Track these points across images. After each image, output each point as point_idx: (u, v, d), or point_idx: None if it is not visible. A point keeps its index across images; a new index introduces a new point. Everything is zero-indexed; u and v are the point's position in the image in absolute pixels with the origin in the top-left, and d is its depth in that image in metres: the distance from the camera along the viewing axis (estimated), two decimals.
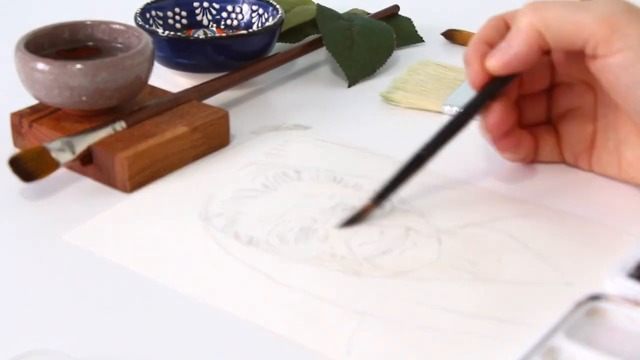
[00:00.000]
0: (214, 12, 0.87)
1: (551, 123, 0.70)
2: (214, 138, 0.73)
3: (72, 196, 0.68)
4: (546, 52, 0.65)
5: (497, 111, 0.66)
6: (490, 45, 0.66)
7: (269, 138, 0.75)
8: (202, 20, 0.87)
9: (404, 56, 0.89)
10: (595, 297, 0.55)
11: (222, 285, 0.59)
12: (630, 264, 0.57)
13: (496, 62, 0.64)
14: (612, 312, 0.55)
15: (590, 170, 0.69)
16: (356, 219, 0.64)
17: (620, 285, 0.56)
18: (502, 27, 0.66)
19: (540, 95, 0.70)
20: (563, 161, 0.70)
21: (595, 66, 0.63)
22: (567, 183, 0.69)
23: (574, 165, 0.70)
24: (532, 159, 0.70)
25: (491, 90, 0.66)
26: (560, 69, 0.69)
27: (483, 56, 0.65)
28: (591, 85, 0.68)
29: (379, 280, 0.59)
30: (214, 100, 0.78)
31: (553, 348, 0.52)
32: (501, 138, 0.67)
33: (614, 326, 0.54)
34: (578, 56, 0.64)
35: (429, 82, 0.82)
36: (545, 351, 0.52)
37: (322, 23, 0.86)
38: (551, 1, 0.63)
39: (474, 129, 0.77)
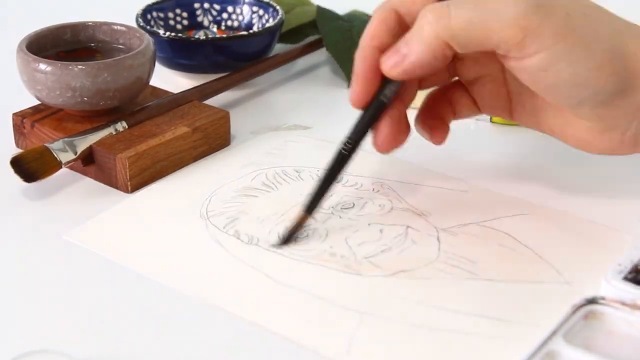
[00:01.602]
0: (214, 13, 0.87)
1: (462, 84, 0.66)
2: (214, 138, 0.73)
3: (74, 196, 0.68)
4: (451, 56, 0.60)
5: (385, 128, 0.62)
6: (382, 50, 0.61)
7: (269, 138, 0.75)
8: (202, 21, 0.87)
9: None
10: (592, 301, 0.55)
11: (222, 285, 0.59)
12: (627, 267, 0.57)
13: (395, 68, 0.59)
14: (609, 315, 0.55)
15: (514, 120, 0.66)
16: (293, 231, 0.62)
17: (617, 288, 0.56)
18: (394, 23, 0.61)
19: (444, 73, 0.65)
20: (481, 113, 0.67)
21: (510, 66, 0.60)
22: (567, 183, 0.69)
23: (497, 116, 0.66)
24: (453, 118, 0.66)
25: (368, 119, 0.62)
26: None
27: (371, 64, 0.61)
28: (495, 54, 0.61)
29: (379, 279, 0.59)
30: (214, 101, 0.78)
31: (551, 352, 0.52)
32: (434, 132, 0.64)
33: (611, 330, 0.54)
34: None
35: None
36: (544, 355, 0.52)
37: (322, 24, 0.86)
38: (452, 4, 0.58)
39: (474, 129, 0.77)
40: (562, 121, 0.63)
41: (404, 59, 0.59)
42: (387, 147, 0.62)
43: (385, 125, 0.62)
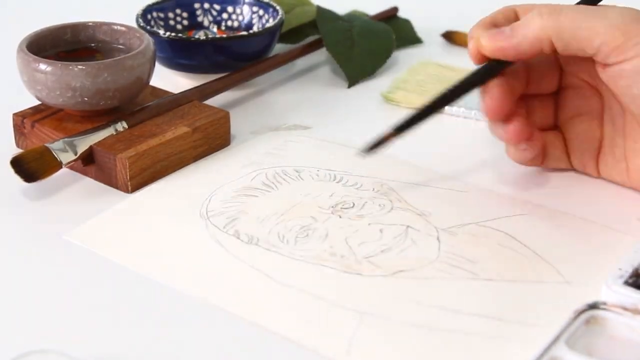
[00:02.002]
0: (214, 13, 0.87)
1: (559, 129, 0.69)
2: (214, 138, 0.73)
3: (74, 196, 0.68)
4: (549, 53, 0.64)
5: (494, 92, 0.65)
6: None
7: (269, 138, 0.75)
8: (202, 22, 0.87)
9: (403, 57, 0.89)
10: (593, 306, 0.55)
11: (222, 285, 0.59)
12: (628, 272, 0.57)
13: (489, 43, 0.64)
14: (611, 320, 0.55)
15: (598, 176, 0.68)
16: (377, 145, 0.64)
17: (617, 293, 0.56)
18: (512, 18, 0.66)
19: (547, 98, 0.69)
20: (571, 167, 0.69)
21: (607, 74, 0.63)
22: (567, 183, 0.69)
23: (582, 172, 0.69)
24: (541, 163, 0.69)
25: (490, 69, 0.65)
26: (567, 69, 0.68)
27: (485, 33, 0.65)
28: (598, 89, 0.67)
29: (379, 279, 0.59)
30: (214, 101, 0.78)
31: (554, 358, 0.52)
32: (514, 133, 0.66)
33: (613, 335, 0.54)
34: (587, 59, 0.64)
35: (429, 82, 0.82)
36: None
37: (322, 24, 0.86)
38: (565, 5, 0.62)
39: (474, 129, 0.77)
40: None
41: (504, 37, 0.63)
42: (495, 112, 0.65)
43: (494, 86, 0.65)
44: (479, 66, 0.65)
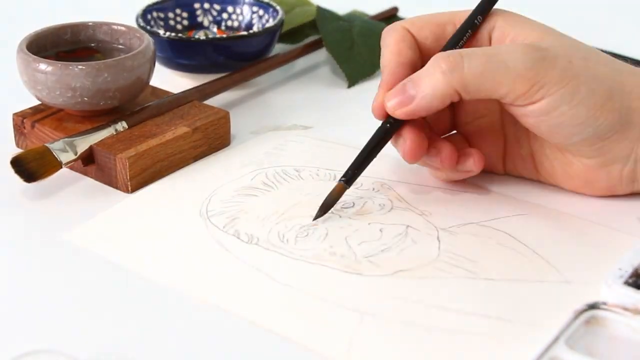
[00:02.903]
0: (214, 13, 0.87)
1: (460, 133, 0.68)
2: (214, 138, 0.73)
3: (74, 196, 0.68)
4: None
5: (410, 136, 0.64)
6: (406, 64, 0.64)
7: (269, 138, 0.75)
8: (203, 22, 0.87)
9: None
10: (593, 306, 0.55)
11: (222, 285, 0.59)
12: (628, 272, 0.57)
13: (399, 108, 0.63)
14: (611, 320, 0.55)
15: (505, 173, 0.68)
16: (329, 203, 0.64)
17: (618, 293, 0.56)
18: (411, 40, 0.65)
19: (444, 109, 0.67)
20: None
21: (513, 111, 0.63)
22: None
23: (489, 171, 0.68)
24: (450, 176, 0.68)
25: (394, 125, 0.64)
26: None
27: (399, 80, 0.64)
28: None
29: (379, 278, 0.59)
30: (214, 101, 0.78)
31: (554, 358, 0.52)
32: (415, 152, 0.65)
33: (613, 335, 0.54)
34: None
35: None
36: None
37: (322, 24, 0.86)
38: (465, 54, 0.61)
39: None
40: (561, 162, 0.65)
41: (410, 100, 0.62)
42: (414, 155, 0.64)
43: (408, 133, 0.64)
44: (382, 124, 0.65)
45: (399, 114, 0.63)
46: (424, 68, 0.62)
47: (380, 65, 0.66)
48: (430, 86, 0.61)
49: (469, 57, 0.61)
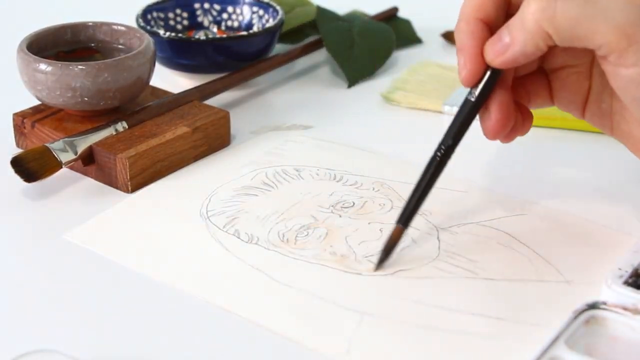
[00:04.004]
0: (214, 13, 0.87)
1: (544, 74, 0.65)
2: (214, 138, 0.73)
3: (74, 196, 0.68)
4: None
5: (497, 110, 0.61)
6: (487, 23, 0.60)
7: (269, 138, 0.75)
8: (203, 22, 0.87)
9: (403, 57, 0.89)
10: (593, 306, 0.55)
11: (222, 284, 0.59)
12: (627, 272, 0.57)
13: (497, 58, 0.59)
14: (611, 320, 0.55)
15: (583, 118, 0.65)
16: (389, 247, 0.60)
17: (617, 293, 0.56)
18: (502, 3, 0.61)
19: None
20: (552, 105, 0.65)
21: (604, 67, 0.59)
22: (567, 183, 0.69)
23: (567, 111, 0.65)
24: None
25: (489, 84, 0.60)
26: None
27: (480, 41, 0.60)
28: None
29: (379, 278, 0.59)
30: (214, 101, 0.78)
31: (554, 358, 0.52)
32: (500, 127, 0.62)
33: (613, 335, 0.54)
34: None
35: (429, 83, 0.82)
36: None
37: (322, 24, 0.86)
38: None
39: (474, 129, 0.77)
40: (638, 129, 0.61)
41: (506, 48, 0.59)
42: (497, 132, 0.61)
43: (494, 110, 0.61)
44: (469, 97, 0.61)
45: (497, 63, 0.59)
46: (517, 13, 0.58)
47: (458, 17, 0.61)
48: (523, 30, 0.58)
49: (563, 0, 0.57)
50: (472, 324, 0.56)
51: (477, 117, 0.62)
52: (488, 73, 0.60)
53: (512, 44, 0.59)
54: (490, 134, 0.61)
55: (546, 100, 0.65)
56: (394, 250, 0.60)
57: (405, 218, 0.60)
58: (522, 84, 0.64)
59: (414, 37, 0.92)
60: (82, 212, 0.66)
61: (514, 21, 0.59)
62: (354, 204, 0.66)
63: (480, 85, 0.60)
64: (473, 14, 0.60)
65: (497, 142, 0.76)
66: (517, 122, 0.63)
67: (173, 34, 0.80)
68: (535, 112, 0.78)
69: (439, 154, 0.61)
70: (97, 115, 0.72)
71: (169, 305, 0.58)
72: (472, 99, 0.61)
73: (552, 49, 0.62)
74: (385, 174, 0.70)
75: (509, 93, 0.62)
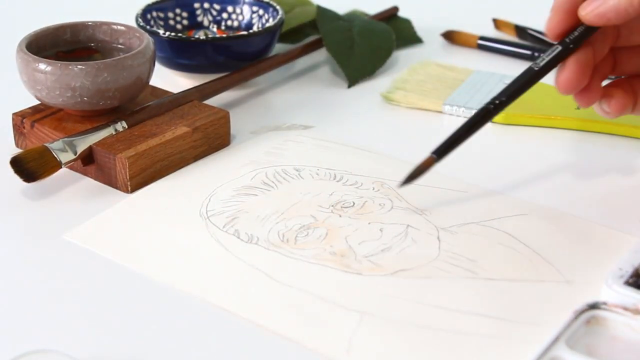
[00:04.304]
0: (214, 13, 0.87)
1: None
2: (214, 138, 0.73)
3: (73, 196, 0.68)
4: None
5: (571, 68, 0.62)
6: None
7: (269, 138, 0.75)
8: (202, 21, 0.87)
9: (404, 57, 0.89)
10: (594, 306, 0.55)
11: (222, 284, 0.59)
12: (628, 272, 0.57)
13: (591, 12, 0.60)
14: (611, 320, 0.55)
15: None
16: (417, 173, 0.62)
17: (618, 293, 0.56)
18: None
19: (638, 48, 0.65)
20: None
21: None
22: (568, 183, 0.69)
23: None
24: (632, 111, 0.65)
25: (574, 40, 0.62)
26: None
27: (573, 2, 0.61)
28: None
29: (379, 278, 0.59)
30: (214, 101, 0.78)
31: (554, 358, 0.52)
32: (581, 93, 0.63)
33: (613, 335, 0.54)
34: None
35: (429, 82, 0.82)
36: None
37: (322, 24, 0.86)
38: None
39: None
40: None
41: (601, 3, 0.60)
42: (569, 87, 0.62)
43: (571, 65, 0.62)
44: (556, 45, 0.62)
45: (589, 17, 0.61)
46: None
47: None
48: None
49: None
50: (472, 324, 0.56)
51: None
52: (579, 29, 0.62)
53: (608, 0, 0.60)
54: (562, 87, 0.62)
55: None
56: (420, 176, 0.62)
57: (441, 151, 0.62)
58: (628, 86, 0.64)
59: (414, 37, 0.92)
60: (82, 212, 0.66)
61: None
62: (354, 203, 0.66)
63: (572, 36, 0.62)
64: None
65: (498, 142, 0.76)
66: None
67: (173, 34, 0.80)
68: (536, 111, 0.78)
69: (491, 106, 0.62)
70: (96, 115, 0.72)
71: (169, 305, 0.58)
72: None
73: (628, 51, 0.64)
74: (385, 174, 0.70)
75: (592, 58, 0.62)
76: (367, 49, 0.86)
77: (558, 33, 0.62)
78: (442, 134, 0.76)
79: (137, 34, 0.74)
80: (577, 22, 0.62)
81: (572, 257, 0.61)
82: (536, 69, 0.62)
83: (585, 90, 0.63)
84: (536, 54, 0.87)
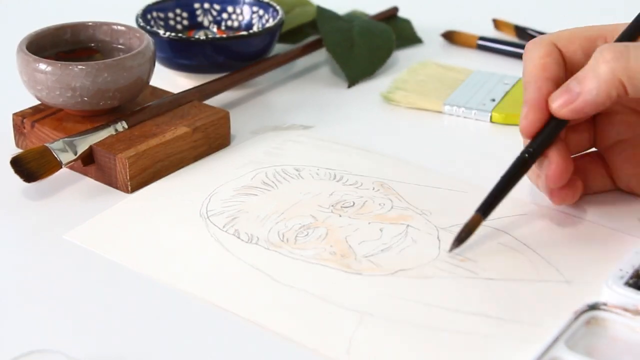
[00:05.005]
0: (214, 13, 0.87)
1: (598, 153, 0.66)
2: (214, 138, 0.73)
3: (74, 196, 0.68)
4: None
5: (556, 160, 0.61)
6: (553, 81, 0.61)
7: (269, 138, 0.75)
8: (202, 22, 0.87)
9: (403, 57, 0.89)
10: (594, 307, 0.55)
11: (222, 284, 0.59)
12: (628, 273, 0.57)
13: (564, 107, 0.60)
14: (611, 321, 0.55)
15: None
16: (465, 235, 0.60)
17: (618, 294, 0.56)
18: (559, 56, 0.62)
19: (584, 124, 0.65)
20: (615, 188, 0.66)
21: None
22: None
23: (630, 193, 0.66)
24: (583, 192, 0.65)
25: (550, 134, 0.61)
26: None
27: (545, 94, 0.61)
28: None
29: (379, 278, 0.59)
30: (214, 101, 0.78)
31: (554, 359, 0.52)
32: (560, 189, 0.62)
33: (613, 336, 0.54)
34: None
35: (429, 82, 0.82)
36: None
37: (321, 24, 0.86)
38: (632, 46, 0.58)
39: (474, 129, 0.77)
40: None
41: (576, 97, 0.60)
42: (559, 178, 0.61)
43: (555, 156, 0.61)
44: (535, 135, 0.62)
45: (564, 112, 0.60)
46: (587, 65, 0.60)
47: (523, 80, 0.63)
48: (595, 79, 0.58)
49: (635, 48, 0.58)
50: (472, 324, 0.56)
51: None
52: (552, 124, 0.61)
53: (583, 92, 0.59)
54: (552, 180, 0.61)
55: (605, 180, 0.66)
56: (469, 237, 0.61)
57: (485, 208, 0.61)
58: (578, 167, 0.64)
59: (414, 37, 0.92)
60: (82, 212, 0.66)
61: (583, 72, 0.59)
62: (354, 203, 0.66)
63: (542, 134, 0.61)
64: (539, 74, 0.62)
65: (498, 142, 0.76)
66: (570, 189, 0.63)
67: (173, 34, 0.80)
68: None
69: (526, 155, 0.62)
70: (96, 115, 0.72)
71: (169, 305, 0.58)
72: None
73: (605, 121, 0.64)
74: (385, 173, 0.70)
75: (566, 146, 0.62)
76: (367, 49, 0.86)
77: (536, 132, 0.62)
78: (442, 134, 0.77)
79: (137, 34, 0.74)
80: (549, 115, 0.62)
81: (572, 257, 0.61)
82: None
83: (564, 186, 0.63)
84: None
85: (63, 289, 0.59)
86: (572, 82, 0.60)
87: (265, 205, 0.66)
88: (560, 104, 0.60)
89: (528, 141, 0.62)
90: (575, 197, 0.64)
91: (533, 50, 0.63)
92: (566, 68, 0.63)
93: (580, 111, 0.60)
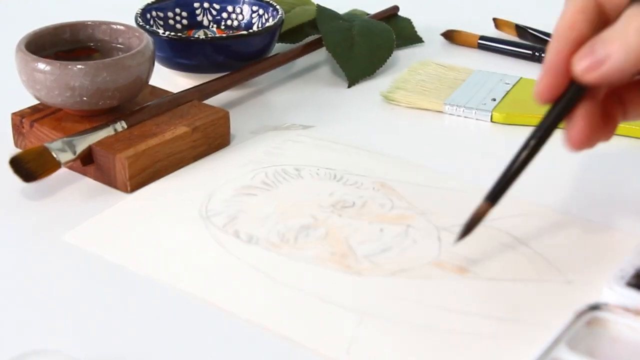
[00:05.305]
0: (214, 12, 0.87)
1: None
2: (214, 138, 0.73)
3: (73, 196, 0.68)
4: None
5: (580, 124, 0.56)
6: (579, 42, 0.55)
7: (269, 137, 0.75)
8: (202, 21, 0.87)
9: (404, 56, 0.89)
10: (595, 307, 0.55)
11: (222, 285, 0.59)
12: (629, 273, 0.57)
13: (589, 73, 0.54)
14: (612, 322, 0.55)
15: None
16: (473, 223, 0.59)
17: (619, 294, 0.56)
18: (594, 14, 0.56)
19: None
20: None
21: None
22: (567, 183, 0.69)
23: None
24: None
25: (571, 102, 0.56)
26: None
27: (566, 57, 0.55)
28: None
29: (379, 278, 0.59)
30: (214, 101, 0.78)
31: (555, 359, 0.52)
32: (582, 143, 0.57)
33: (615, 336, 0.54)
34: None
35: (429, 82, 0.82)
36: None
37: (322, 23, 0.86)
38: None
39: (474, 129, 0.77)
40: None
41: (601, 63, 0.54)
42: (580, 143, 0.57)
43: (579, 119, 0.56)
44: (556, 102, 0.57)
45: (589, 78, 0.54)
46: (615, 25, 0.54)
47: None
48: (624, 46, 0.53)
49: None
50: (472, 324, 0.56)
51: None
52: (572, 89, 0.56)
53: (609, 58, 0.54)
54: (574, 145, 0.57)
55: None
56: (477, 226, 0.59)
57: (494, 196, 0.58)
58: (616, 94, 0.59)
59: (414, 37, 0.92)
60: (82, 212, 0.66)
61: (610, 34, 0.54)
62: (354, 203, 0.66)
63: (563, 101, 0.56)
64: (565, 33, 0.56)
65: (498, 142, 0.76)
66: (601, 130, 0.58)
67: (172, 34, 0.80)
68: (535, 111, 0.77)
69: (531, 139, 0.58)
70: (96, 115, 0.72)
71: (169, 305, 0.58)
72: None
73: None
74: (385, 173, 0.70)
75: (598, 105, 0.57)
76: (367, 48, 0.85)
77: (553, 97, 0.57)
78: (442, 134, 0.77)
79: (137, 34, 0.74)
80: (569, 80, 0.56)
81: (573, 258, 0.61)
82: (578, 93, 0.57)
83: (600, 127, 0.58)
84: (537, 54, 0.87)
85: (63, 289, 0.59)
86: (597, 44, 0.54)
87: (265, 205, 0.66)
88: (584, 68, 0.54)
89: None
90: (594, 143, 0.58)
91: (568, 2, 0.56)
92: (605, 25, 0.55)
93: (607, 79, 0.54)
